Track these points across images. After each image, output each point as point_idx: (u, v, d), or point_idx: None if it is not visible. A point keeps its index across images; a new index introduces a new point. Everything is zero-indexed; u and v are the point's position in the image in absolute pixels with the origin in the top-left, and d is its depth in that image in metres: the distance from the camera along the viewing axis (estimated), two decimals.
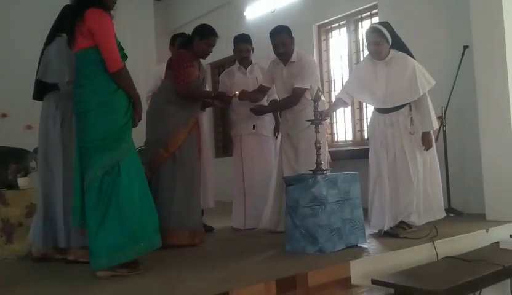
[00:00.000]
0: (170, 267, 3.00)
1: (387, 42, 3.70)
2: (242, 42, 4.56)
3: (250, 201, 4.42)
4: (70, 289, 2.61)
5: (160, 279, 2.71)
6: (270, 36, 4.14)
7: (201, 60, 4.04)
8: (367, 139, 5.70)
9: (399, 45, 3.75)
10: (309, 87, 3.75)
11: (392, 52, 3.73)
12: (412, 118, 3.70)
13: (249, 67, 4.61)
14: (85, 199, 2.77)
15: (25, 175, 3.79)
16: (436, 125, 3.78)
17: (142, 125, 3.28)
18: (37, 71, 3.29)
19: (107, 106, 2.78)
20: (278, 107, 4.38)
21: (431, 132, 3.75)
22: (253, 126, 4.51)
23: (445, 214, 3.86)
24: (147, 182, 2.95)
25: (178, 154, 3.71)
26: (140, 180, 2.86)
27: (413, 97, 3.65)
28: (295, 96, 4.06)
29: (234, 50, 4.64)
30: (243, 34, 4.68)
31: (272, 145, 4.64)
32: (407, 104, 3.72)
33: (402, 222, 3.71)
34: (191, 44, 3.96)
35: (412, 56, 3.75)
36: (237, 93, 4.12)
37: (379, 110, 3.84)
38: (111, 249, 2.68)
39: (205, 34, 3.94)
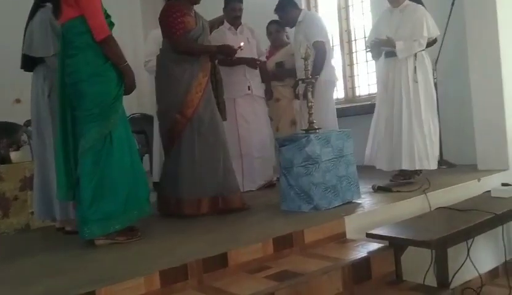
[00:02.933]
0: (169, 233, 3.04)
1: None
2: (237, 0, 4.48)
3: (247, 164, 4.40)
4: (70, 258, 2.64)
5: (159, 244, 2.75)
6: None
7: None
8: (359, 96, 5.79)
9: None
10: (324, 40, 4.17)
11: (407, 1, 3.95)
12: (415, 67, 3.83)
13: (239, 28, 4.53)
14: (78, 168, 2.77)
15: (17, 149, 3.78)
16: (401, 53, 3.84)
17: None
18: (22, 45, 3.24)
19: (100, 75, 2.76)
20: (317, 69, 4.35)
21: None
22: (248, 87, 4.42)
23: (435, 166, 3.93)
24: (137, 150, 2.95)
25: (196, 117, 3.43)
26: (131, 149, 2.87)
27: (416, 36, 3.80)
28: (319, 51, 4.25)
29: (225, 9, 4.55)
30: None
31: (266, 106, 4.62)
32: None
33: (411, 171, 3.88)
34: None
35: (424, 7, 3.94)
36: (242, 44, 3.96)
37: (386, 55, 3.97)
38: (104, 217, 2.71)
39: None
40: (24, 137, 4.48)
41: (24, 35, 3.22)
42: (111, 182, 2.73)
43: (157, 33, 4.30)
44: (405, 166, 3.81)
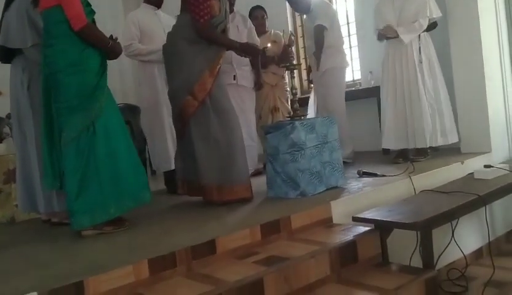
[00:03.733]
0: (156, 222, 3.04)
1: None
2: None
3: None
4: (57, 250, 2.63)
5: (146, 233, 2.75)
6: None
7: None
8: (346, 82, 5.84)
9: None
10: (325, 25, 4.25)
11: None
12: (420, 47, 3.98)
13: (231, 15, 4.37)
14: (62, 161, 2.75)
15: (0, 141, 3.73)
16: (406, 38, 4.01)
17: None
18: None
19: (77, 65, 2.73)
20: (318, 52, 4.46)
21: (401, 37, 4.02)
22: (234, 76, 4.34)
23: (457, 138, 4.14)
24: (130, 138, 2.91)
25: (209, 100, 3.28)
26: (121, 137, 2.83)
27: (419, 17, 3.96)
28: (316, 34, 4.37)
29: None
30: None
31: (254, 96, 4.58)
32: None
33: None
34: None
35: None
36: (269, 45, 3.81)
37: (392, 37, 4.08)
38: (92, 208, 2.70)
39: None
40: (6, 129, 4.42)
41: (0, 26, 3.16)
42: (96, 173, 2.71)
43: (135, 15, 4.21)
44: (418, 144, 4.02)
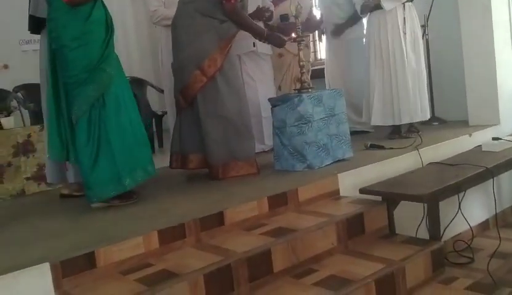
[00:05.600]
0: (164, 193, 3.06)
1: None
2: None
3: (255, 125, 4.03)
4: (68, 221, 2.66)
5: (156, 205, 2.77)
6: None
7: None
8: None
9: None
10: None
11: None
12: (404, 18, 3.90)
13: None
14: (75, 135, 2.74)
15: (8, 115, 3.75)
16: (388, 5, 3.91)
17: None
18: (29, 6, 3.16)
19: (80, 38, 2.69)
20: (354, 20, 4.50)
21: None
22: (254, 43, 4.10)
23: (429, 116, 4.08)
24: (138, 110, 2.90)
25: (220, 76, 3.23)
26: (130, 109, 2.82)
27: None
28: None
29: None
30: None
31: (271, 63, 4.41)
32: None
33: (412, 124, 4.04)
34: None
35: None
36: (293, 35, 3.69)
37: (375, 8, 3.99)
38: (107, 182, 2.70)
39: None
40: (14, 103, 4.43)
41: None
42: (109, 145, 2.70)
43: None
44: (404, 120, 3.94)
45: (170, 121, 4.16)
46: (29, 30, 3.25)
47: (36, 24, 3.18)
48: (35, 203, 3.31)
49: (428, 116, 4.04)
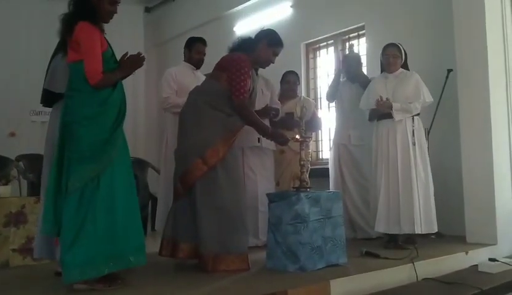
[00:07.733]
0: (150, 282, 2.97)
1: (401, 58, 4.22)
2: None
3: (250, 217, 4.07)
4: None
5: (139, 294, 2.68)
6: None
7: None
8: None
9: (406, 66, 4.29)
10: None
11: (401, 69, 4.23)
12: (414, 129, 4.01)
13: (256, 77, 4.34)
14: (63, 209, 2.73)
15: (6, 183, 3.75)
16: (398, 115, 4.02)
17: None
18: (44, 80, 3.27)
19: (93, 118, 2.77)
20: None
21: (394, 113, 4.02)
22: (258, 139, 4.20)
23: (436, 229, 4.04)
24: (136, 197, 2.89)
25: (221, 166, 3.26)
26: (126, 194, 2.81)
27: (412, 100, 4.03)
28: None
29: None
30: None
31: (273, 159, 4.50)
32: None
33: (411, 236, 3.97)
34: (250, 49, 3.53)
35: None
36: (297, 137, 3.78)
37: (381, 117, 4.12)
38: (83, 263, 2.63)
39: (275, 42, 3.58)
40: (14, 172, 4.45)
41: (47, 71, 3.25)
42: (93, 228, 2.66)
43: (174, 71, 4.40)
44: (406, 230, 3.91)
45: (160, 203, 4.34)
46: (41, 102, 3.34)
47: (49, 98, 3.27)
48: (18, 276, 3.21)
49: (435, 229, 4.00)
